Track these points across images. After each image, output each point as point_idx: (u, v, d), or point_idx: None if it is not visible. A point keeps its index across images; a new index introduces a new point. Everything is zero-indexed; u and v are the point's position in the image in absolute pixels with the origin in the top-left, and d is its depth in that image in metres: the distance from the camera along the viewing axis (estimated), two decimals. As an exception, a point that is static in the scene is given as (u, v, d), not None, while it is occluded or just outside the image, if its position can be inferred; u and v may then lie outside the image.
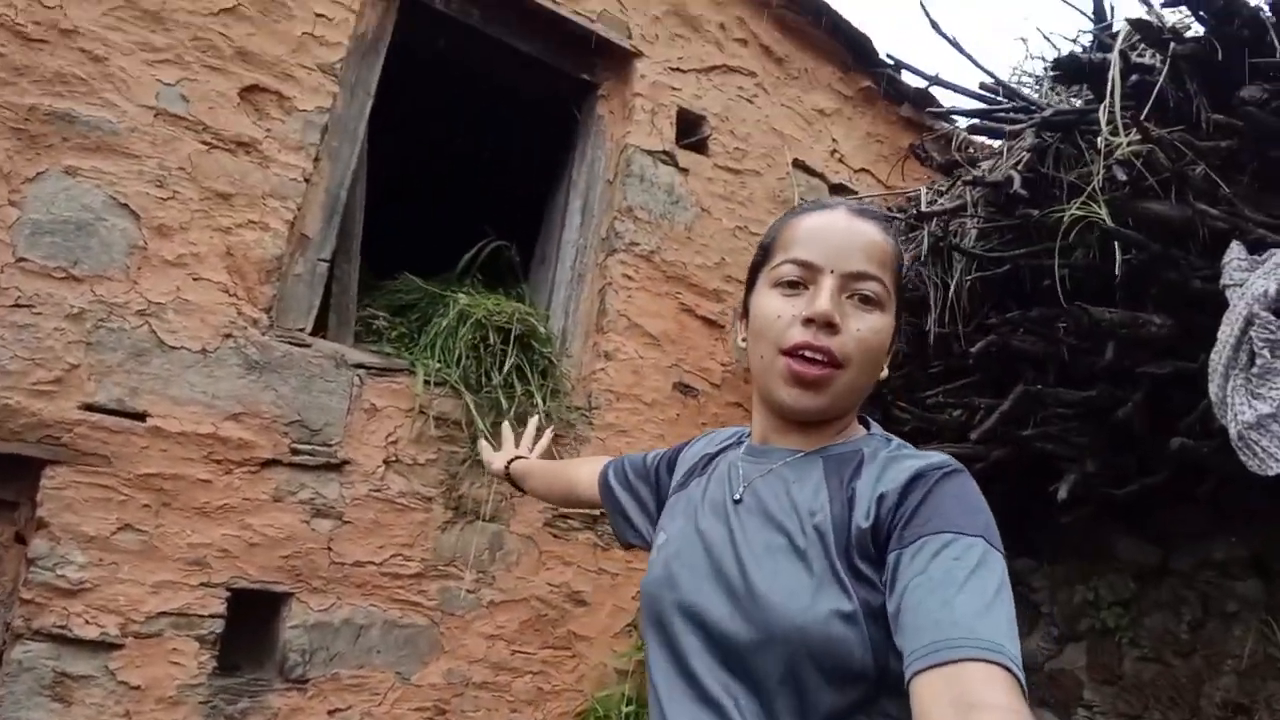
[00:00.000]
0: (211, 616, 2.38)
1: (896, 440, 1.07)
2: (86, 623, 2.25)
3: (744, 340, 1.12)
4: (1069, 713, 3.19)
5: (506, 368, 2.84)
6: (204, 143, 2.57)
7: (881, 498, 0.94)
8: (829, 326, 0.99)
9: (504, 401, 2.81)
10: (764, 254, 1.12)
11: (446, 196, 4.56)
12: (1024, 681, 0.78)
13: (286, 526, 2.51)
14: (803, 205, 1.14)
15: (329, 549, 2.56)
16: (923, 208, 2.87)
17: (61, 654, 2.22)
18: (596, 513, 2.96)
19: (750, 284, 1.14)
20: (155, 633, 2.31)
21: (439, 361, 2.84)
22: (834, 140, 3.89)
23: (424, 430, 2.75)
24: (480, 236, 3.35)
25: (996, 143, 3.18)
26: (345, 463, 2.62)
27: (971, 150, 3.46)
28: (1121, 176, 2.23)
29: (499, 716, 2.72)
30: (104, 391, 2.34)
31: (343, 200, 2.86)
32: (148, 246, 2.45)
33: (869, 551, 0.93)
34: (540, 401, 2.86)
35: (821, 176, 3.82)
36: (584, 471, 1.57)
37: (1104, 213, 2.32)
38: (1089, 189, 2.36)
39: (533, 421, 1.88)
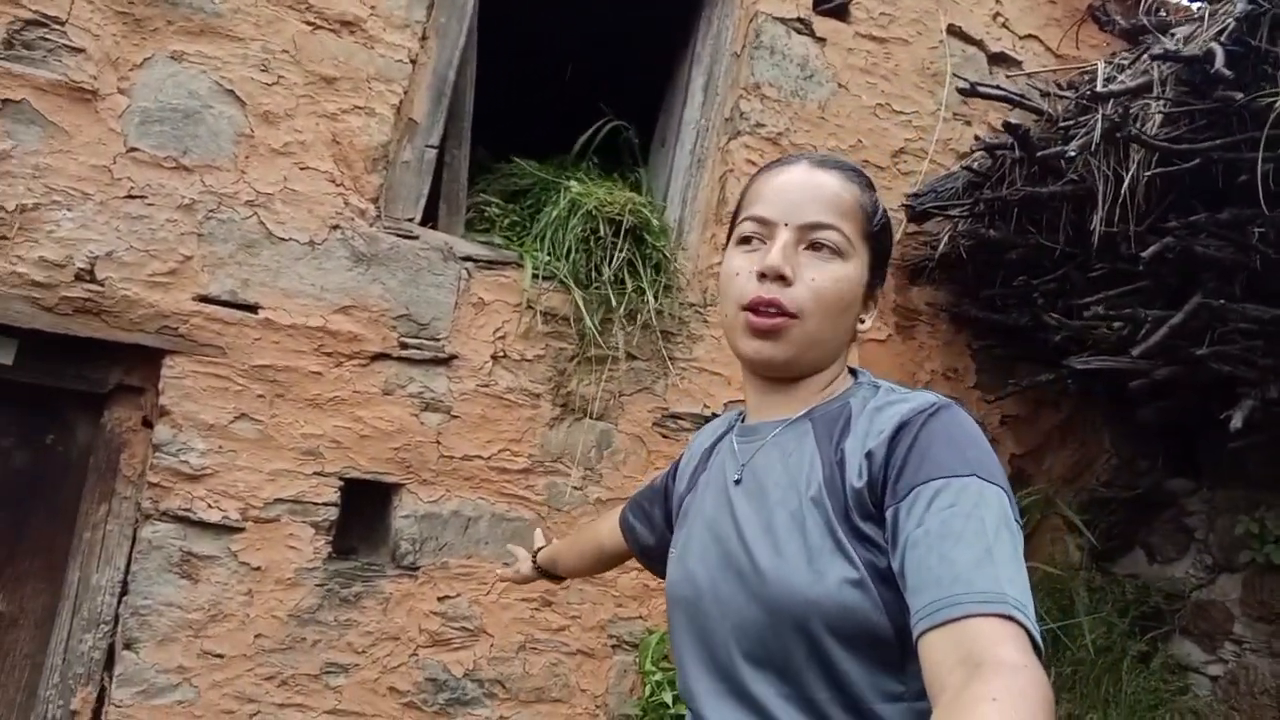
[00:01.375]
0: (325, 504, 2.44)
1: (884, 386, 1.06)
2: (209, 506, 2.34)
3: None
4: (1214, 645, 2.95)
5: (616, 263, 2.70)
6: (307, 23, 2.46)
7: (870, 455, 0.94)
8: (780, 279, 1.00)
9: (613, 298, 2.69)
10: (734, 215, 1.12)
11: (566, 73, 4.33)
12: (1031, 624, 0.77)
13: (396, 419, 2.52)
14: (768, 163, 1.14)
15: (438, 442, 2.56)
16: (1098, 87, 2.47)
17: (187, 534, 2.33)
18: (708, 412, 2.85)
19: (726, 243, 1.13)
20: (273, 518, 2.39)
21: (548, 254, 2.72)
22: (997, 0, 3.41)
23: (532, 326, 2.67)
24: (599, 116, 3.16)
25: (1196, 5, 2.68)
26: (453, 357, 2.58)
27: (1164, 14, 2.95)
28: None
29: (604, 610, 2.73)
30: (216, 283, 2.36)
31: (451, 81, 2.72)
32: (254, 134, 2.40)
33: (868, 510, 0.92)
34: (651, 298, 2.72)
35: (980, 45, 3.38)
36: (605, 527, 1.57)
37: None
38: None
39: (538, 531, 1.89)
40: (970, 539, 0.81)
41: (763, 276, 1.01)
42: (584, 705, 2.69)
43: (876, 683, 0.90)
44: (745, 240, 1.06)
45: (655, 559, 1.38)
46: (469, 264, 2.63)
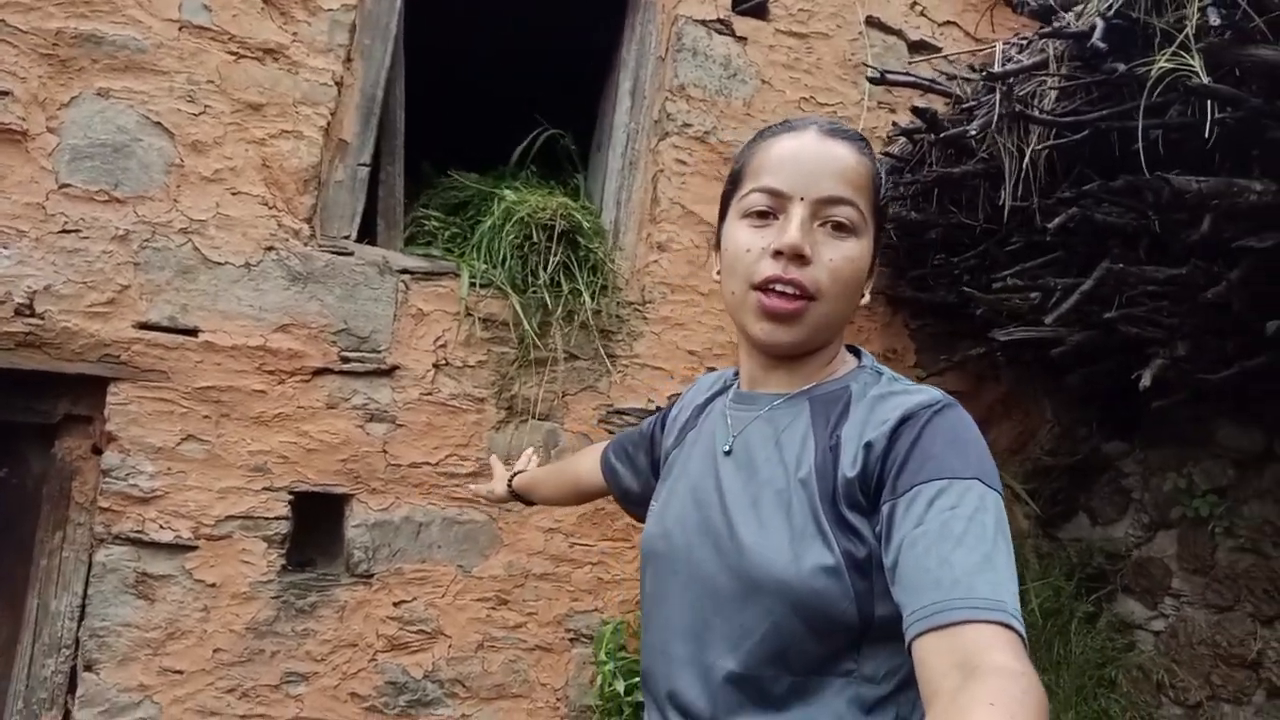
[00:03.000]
0: (276, 519, 2.51)
1: (887, 373, 1.04)
2: (161, 527, 2.40)
3: (718, 274, 1.08)
4: (1155, 601, 3.04)
5: (551, 266, 2.78)
6: (230, 53, 2.53)
7: (869, 446, 0.92)
8: (799, 258, 0.96)
9: (550, 301, 2.77)
10: (734, 182, 1.07)
11: (503, 87, 4.42)
12: (1024, 633, 0.78)
13: (342, 431, 2.58)
14: (771, 127, 1.07)
15: (385, 451, 2.63)
16: (995, 67, 2.57)
17: (141, 555, 2.39)
18: (652, 406, 2.93)
19: (722, 213, 1.09)
20: (225, 535, 2.46)
21: (484, 262, 2.80)
22: (914, -10, 3.52)
23: (472, 333, 2.74)
24: (539, 127, 3.25)
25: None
26: (395, 368, 2.65)
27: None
28: (1215, 20, 1.90)
29: (560, 605, 2.80)
30: (155, 310, 2.43)
31: (379, 100, 2.80)
32: (185, 164, 2.47)
33: (857, 501, 0.92)
34: (588, 299, 2.80)
35: (899, 34, 3.48)
36: (586, 463, 1.55)
37: (1198, 63, 2.00)
38: (1180, 36, 2.03)
39: (527, 451, 1.84)
40: (971, 543, 0.81)
41: (779, 255, 0.97)
42: (545, 699, 2.76)
43: (829, 660, 0.91)
44: (755, 214, 1.00)
45: (635, 503, 1.37)
46: (406, 276, 2.70)
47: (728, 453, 1.05)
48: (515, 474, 1.74)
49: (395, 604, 2.62)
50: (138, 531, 2.39)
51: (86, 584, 2.40)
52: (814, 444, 0.97)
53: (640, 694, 2.66)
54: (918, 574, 0.81)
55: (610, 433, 2.91)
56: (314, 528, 2.63)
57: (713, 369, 2.99)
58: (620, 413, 2.92)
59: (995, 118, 2.49)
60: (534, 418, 2.81)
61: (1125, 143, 2.40)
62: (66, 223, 2.35)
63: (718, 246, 1.09)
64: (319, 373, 2.57)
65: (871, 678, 0.92)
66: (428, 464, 2.67)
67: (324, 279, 2.59)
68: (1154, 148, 2.24)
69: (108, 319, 2.38)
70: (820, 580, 0.89)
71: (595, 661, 2.77)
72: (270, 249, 2.54)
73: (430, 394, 2.68)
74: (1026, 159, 2.43)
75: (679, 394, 1.28)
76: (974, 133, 2.50)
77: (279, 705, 2.48)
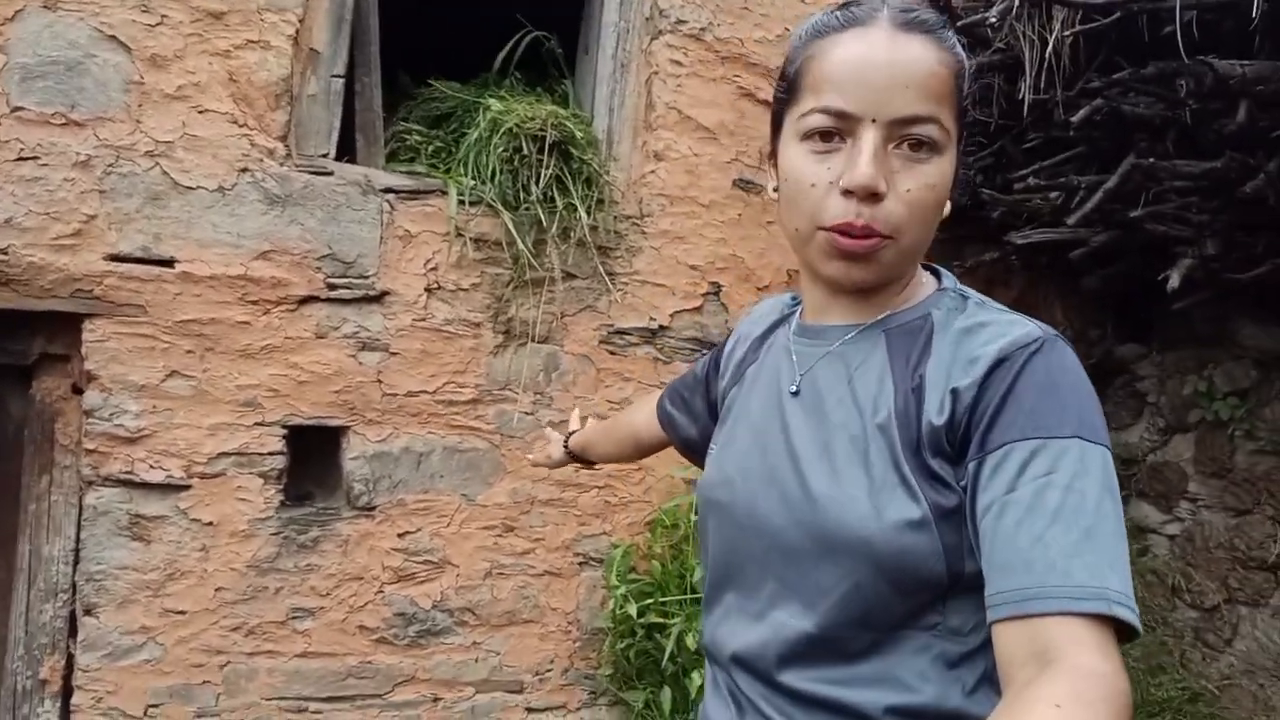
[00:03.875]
0: (271, 454, 2.42)
1: (973, 298, 0.91)
2: (151, 467, 2.31)
3: (775, 192, 0.95)
4: (1170, 505, 3.00)
5: (544, 180, 2.63)
6: (185, -46, 2.32)
7: (955, 393, 0.81)
8: (872, 196, 0.83)
9: (544, 217, 2.62)
10: (789, 90, 0.91)
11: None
12: (1132, 617, 0.70)
13: (334, 362, 2.47)
14: (831, 15, 0.89)
15: (379, 381, 2.52)
16: (1016, -53, 2.37)
17: (133, 497, 2.31)
18: (655, 325, 2.82)
19: (776, 125, 0.94)
20: (219, 472, 2.37)
21: (473, 178, 2.65)
22: None
23: (464, 254, 2.61)
24: (520, 30, 3.04)
25: None
26: (385, 293, 2.53)
27: None
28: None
29: (567, 530, 2.75)
30: (126, 240, 2.28)
31: (350, 6, 2.59)
32: (145, 80, 2.29)
33: (944, 449, 0.82)
34: (584, 214, 2.66)
35: (905, -85, 3.24)
36: (642, 415, 1.46)
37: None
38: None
39: (575, 413, 1.78)
40: (1068, 517, 0.72)
41: (849, 193, 0.83)
42: (556, 623, 2.73)
43: (912, 615, 0.83)
44: (818, 137, 0.86)
45: (697, 451, 1.25)
46: (390, 196, 2.55)
47: (795, 393, 0.95)
48: (570, 434, 1.68)
49: (399, 535, 2.56)
50: (127, 472, 2.30)
51: (79, 527, 2.33)
52: (893, 384, 0.87)
53: (654, 615, 2.64)
54: (1007, 551, 0.73)
55: (611, 354, 2.81)
56: (311, 462, 2.54)
57: (717, 284, 2.87)
58: (621, 332, 2.81)
59: (1015, 3, 2.31)
60: (533, 340, 2.70)
61: (1155, 27, 2.24)
62: (23, 149, 2.19)
63: (773, 158, 0.95)
64: (305, 301, 2.45)
65: (958, 630, 0.84)
66: (425, 392, 2.57)
67: (303, 201, 2.44)
68: (1187, 31, 2.08)
69: (76, 252, 2.24)
70: (906, 536, 0.81)
71: (606, 585, 2.73)
72: (244, 170, 2.38)
73: (423, 320, 2.56)
74: (1050, 47, 2.26)
75: (731, 332, 1.17)
76: (993, 20, 2.33)
77: (286, 641, 2.44)
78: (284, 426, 2.44)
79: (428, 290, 2.57)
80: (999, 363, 0.80)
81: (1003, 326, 0.84)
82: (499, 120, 2.68)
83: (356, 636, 2.51)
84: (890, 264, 0.87)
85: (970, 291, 0.92)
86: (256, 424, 2.41)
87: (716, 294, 2.89)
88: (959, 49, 0.88)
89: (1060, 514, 0.72)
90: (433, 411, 2.58)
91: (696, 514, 1.08)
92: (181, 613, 2.35)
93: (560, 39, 3.17)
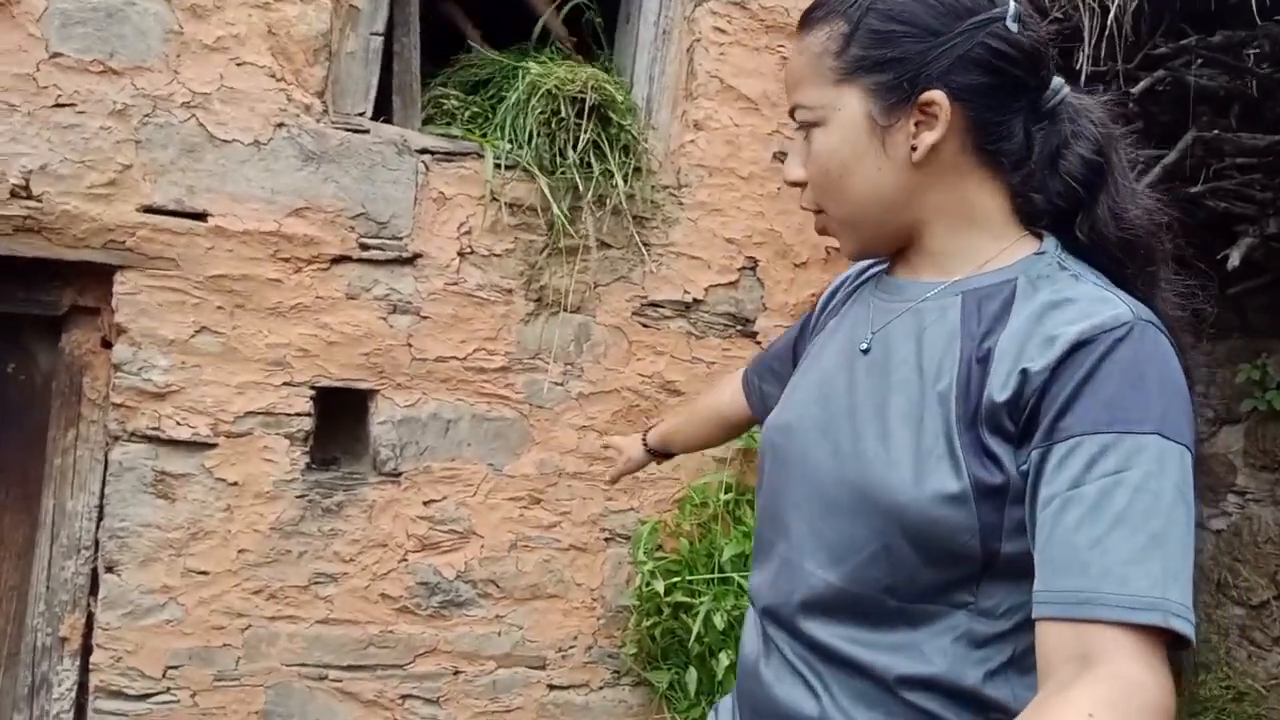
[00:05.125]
0: (298, 415, 2.38)
1: (1071, 268, 0.84)
2: (178, 424, 2.28)
3: None
4: (1217, 499, 2.91)
5: (581, 145, 2.57)
6: (227, -96, 2.29)
7: (1026, 374, 0.77)
8: (799, 184, 0.95)
9: (581, 183, 2.57)
10: None
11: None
12: (1189, 630, 0.67)
13: (364, 324, 2.43)
14: None
15: (409, 345, 2.48)
16: (1077, -90, 2.30)
17: (159, 453, 2.27)
18: (689, 299, 2.76)
19: None
20: (245, 431, 2.33)
21: (509, 142, 2.60)
22: None
23: (498, 218, 2.56)
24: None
25: None
26: (418, 256, 2.48)
27: None
28: None
29: (594, 504, 2.69)
30: (160, 192, 2.25)
31: (390, -37, 2.55)
32: (184, 30, 2.26)
33: (1003, 426, 0.78)
34: (620, 181, 2.60)
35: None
36: (726, 393, 1.45)
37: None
38: None
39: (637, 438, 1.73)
40: (1135, 522, 0.69)
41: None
42: (580, 599, 2.67)
43: (943, 590, 0.81)
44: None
45: None
46: (426, 157, 2.50)
47: (865, 350, 0.93)
48: (647, 431, 1.66)
49: (425, 503, 2.51)
50: (154, 428, 2.26)
51: (103, 483, 2.29)
52: (959, 351, 0.84)
53: (680, 594, 2.58)
54: (1064, 550, 0.71)
55: (644, 326, 2.75)
56: (337, 425, 2.50)
57: (753, 259, 2.81)
58: (655, 305, 2.75)
59: (1076, -33, 2.24)
60: (565, 310, 2.64)
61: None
62: (60, 96, 2.16)
63: None
64: (337, 260, 2.40)
65: (989, 612, 0.81)
66: (454, 358, 2.52)
67: (339, 159, 2.40)
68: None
69: (110, 201, 2.21)
70: (941, 510, 0.79)
71: (633, 561, 2.67)
72: (280, 125, 2.35)
73: (455, 284, 2.52)
74: (1112, 14, 2.18)
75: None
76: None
77: (308, 606, 2.39)
78: (312, 388, 2.40)
79: (460, 254, 2.52)
80: (1079, 345, 0.75)
81: (1091, 305, 0.79)
82: (538, 83, 2.63)
83: (379, 604, 2.47)
84: (846, 234, 0.94)
85: (1071, 261, 0.86)
86: (285, 384, 2.37)
87: (753, 269, 2.82)
88: (835, 15, 0.88)
89: (1126, 517, 0.69)
90: (462, 378, 2.53)
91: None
92: (204, 573, 2.31)
93: (602, 8, 3.12)
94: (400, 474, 2.48)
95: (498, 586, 2.57)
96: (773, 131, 2.86)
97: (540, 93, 2.58)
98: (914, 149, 0.86)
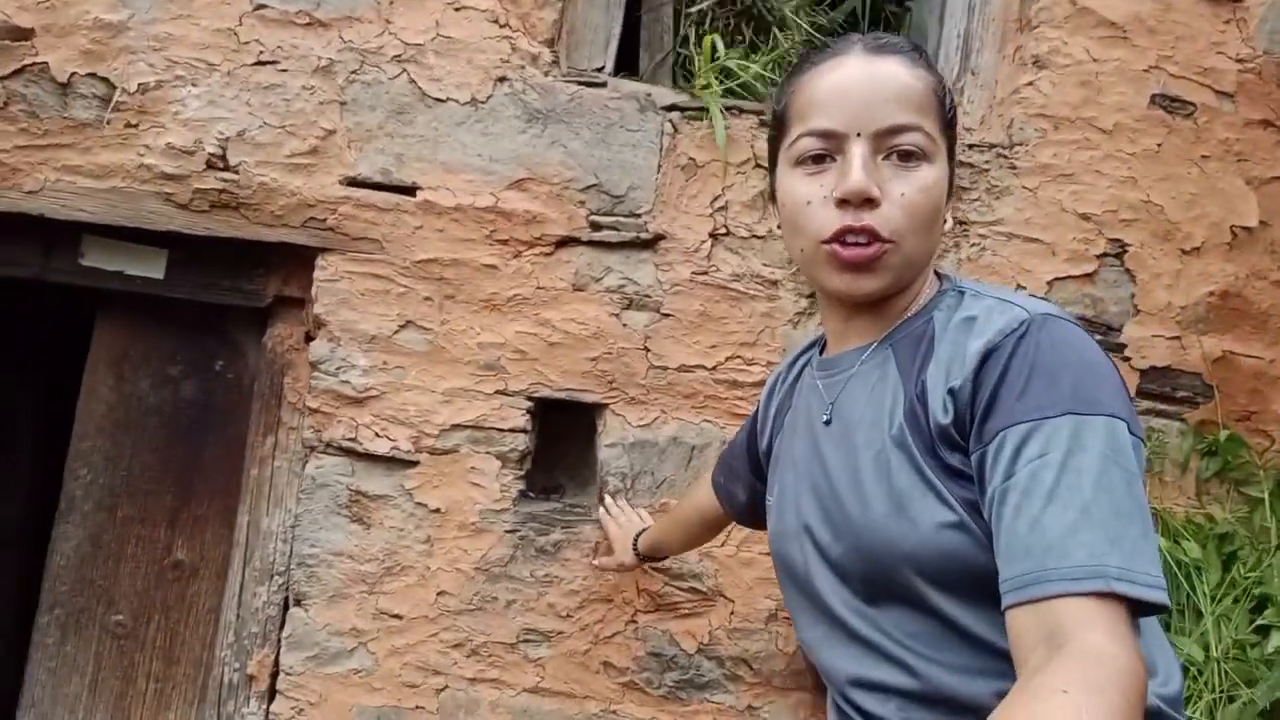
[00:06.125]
0: (512, 431, 1.94)
1: (968, 290, 0.95)
2: (376, 435, 1.92)
3: (779, 227, 1.05)
4: None
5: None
6: None
7: (953, 393, 0.84)
8: (867, 202, 0.89)
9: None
10: (778, 126, 1.00)
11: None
12: (1140, 588, 0.69)
13: (591, 321, 1.95)
14: (810, 54, 0.99)
15: (646, 349, 1.96)
16: None
17: (355, 469, 1.92)
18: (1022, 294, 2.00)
19: (772, 162, 1.03)
20: (450, 448, 1.93)
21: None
22: None
23: (763, 189, 1.99)
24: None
25: None
26: (660, 238, 1.96)
27: None
28: None
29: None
30: (366, 161, 1.91)
31: (641, -116, 2.09)
32: (398, -28, 1.92)
33: (957, 443, 0.84)
34: (929, 135, 1.93)
35: None
36: (702, 494, 1.53)
37: None
38: None
39: (640, 512, 1.89)
40: (1064, 497, 0.73)
41: (845, 203, 0.89)
42: (861, 697, 1.99)
43: (994, 621, 0.78)
44: (809, 160, 0.92)
45: (756, 514, 1.32)
46: (675, 115, 1.99)
47: (827, 423, 0.99)
48: (638, 536, 1.73)
49: (660, 552, 1.97)
50: (350, 439, 1.92)
51: (299, 500, 1.98)
52: (902, 393, 0.91)
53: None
54: (1010, 538, 0.75)
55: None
56: (555, 444, 2.04)
57: (1120, 243, 2.02)
58: (973, 305, 2.04)
59: None
60: (849, 309, 2.00)
61: None
62: (262, 52, 1.89)
63: (773, 198, 1.04)
64: (563, 243, 1.95)
65: None
66: (702, 367, 1.97)
67: (568, 118, 1.95)
68: None
69: (311, 173, 1.90)
70: (946, 539, 0.82)
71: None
72: (502, 80, 1.94)
73: (706, 273, 1.97)
74: None
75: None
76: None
77: (515, 669, 1.93)
78: (529, 398, 1.95)
79: (713, 235, 1.97)
80: (988, 353, 0.83)
81: (991, 315, 0.86)
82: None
83: (600, 676, 1.95)
84: (895, 271, 0.92)
85: (967, 284, 0.97)
86: (498, 392, 1.94)
87: (1119, 257, 2.02)
88: (933, 69, 0.95)
89: (1056, 494, 0.73)
90: (711, 393, 1.97)
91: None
92: (398, 617, 1.92)
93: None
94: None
95: (750, 668, 1.96)
96: (1150, 68, 2.05)
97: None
98: (945, 222, 0.98)
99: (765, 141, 1.93)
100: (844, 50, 0.93)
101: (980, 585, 0.80)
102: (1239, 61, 2.08)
